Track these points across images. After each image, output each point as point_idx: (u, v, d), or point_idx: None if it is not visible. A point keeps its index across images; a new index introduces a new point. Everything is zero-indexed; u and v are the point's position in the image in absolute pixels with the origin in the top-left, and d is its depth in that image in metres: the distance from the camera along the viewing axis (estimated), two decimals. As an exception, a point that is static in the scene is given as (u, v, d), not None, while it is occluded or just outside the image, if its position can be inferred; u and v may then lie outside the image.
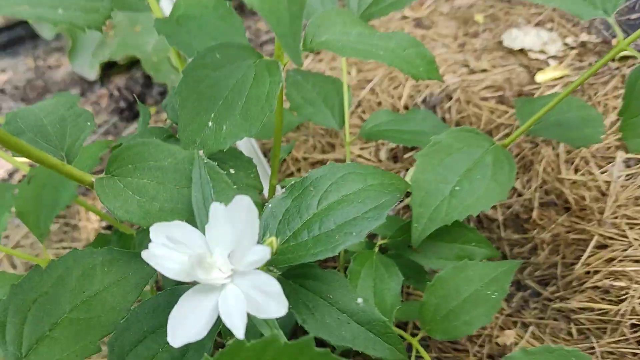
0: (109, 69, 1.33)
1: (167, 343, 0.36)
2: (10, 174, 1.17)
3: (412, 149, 0.79)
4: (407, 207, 0.71)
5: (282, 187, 0.75)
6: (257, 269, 0.31)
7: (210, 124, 0.40)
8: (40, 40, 1.49)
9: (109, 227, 0.92)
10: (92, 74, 1.30)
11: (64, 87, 1.39)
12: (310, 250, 0.36)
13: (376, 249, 0.54)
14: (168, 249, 0.30)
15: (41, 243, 0.53)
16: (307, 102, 0.65)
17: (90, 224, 0.93)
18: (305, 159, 0.82)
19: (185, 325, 0.29)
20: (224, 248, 0.30)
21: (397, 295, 0.48)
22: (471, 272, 0.49)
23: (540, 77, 0.83)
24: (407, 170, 0.77)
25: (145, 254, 0.30)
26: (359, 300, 0.43)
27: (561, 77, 0.83)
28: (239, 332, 0.28)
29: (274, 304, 0.29)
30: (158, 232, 0.31)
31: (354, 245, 0.59)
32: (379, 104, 0.84)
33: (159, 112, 1.15)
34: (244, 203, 0.31)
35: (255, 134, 0.39)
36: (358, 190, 0.39)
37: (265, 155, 0.83)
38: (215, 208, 0.30)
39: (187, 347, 0.35)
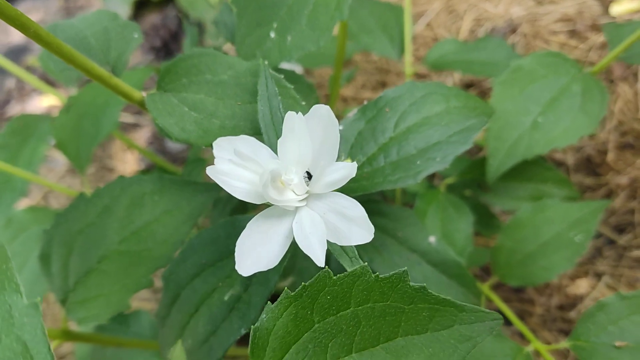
0: (141, 7, 1.28)
1: (227, 277, 0.33)
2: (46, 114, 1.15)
3: (482, 85, 0.73)
4: (475, 147, 0.66)
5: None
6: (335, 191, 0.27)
7: (272, 34, 0.35)
8: (72, -21, 1.45)
9: (147, 170, 0.89)
10: (124, 12, 1.25)
11: (96, 28, 1.35)
12: (387, 177, 0.32)
13: (442, 189, 0.50)
14: (236, 166, 0.26)
15: (81, 174, 0.50)
16: (363, 30, 0.59)
17: (128, 166, 0.90)
18: (354, 98, 0.77)
19: (255, 253, 0.25)
20: (299, 165, 0.26)
21: (469, 237, 0.44)
22: (552, 213, 0.44)
23: (615, 9, 0.75)
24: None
25: (210, 170, 0.26)
26: (431, 239, 0.39)
27: (638, 11, 0.75)
28: (320, 259, 0.24)
29: (357, 229, 0.25)
30: (223, 147, 0.27)
31: (414, 186, 0.54)
32: (435, 39, 0.78)
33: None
34: (323, 112, 0.26)
35: (322, 46, 0.34)
36: (441, 111, 0.34)
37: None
38: (292, 118, 0.25)
39: (250, 281, 0.32)
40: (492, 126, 0.45)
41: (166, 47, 1.10)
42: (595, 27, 0.74)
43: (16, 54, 1.24)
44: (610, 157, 0.62)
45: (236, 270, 0.25)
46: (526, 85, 0.45)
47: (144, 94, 0.32)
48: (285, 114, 0.31)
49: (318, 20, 0.35)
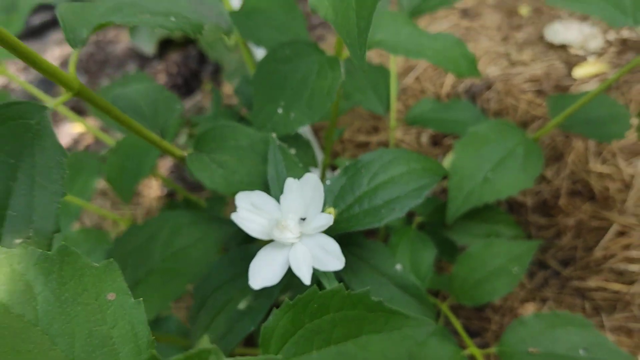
0: (165, 45, 1.42)
1: (242, 289, 0.44)
2: (76, 142, 1.28)
3: (452, 135, 0.85)
4: (444, 190, 0.78)
5: (333, 167, 0.83)
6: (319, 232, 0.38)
7: (279, 110, 0.48)
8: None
9: (170, 195, 1.01)
10: (150, 49, 1.39)
11: (123, 61, 1.49)
12: (360, 221, 0.43)
13: (414, 226, 0.61)
14: (251, 213, 0.38)
15: (126, 203, 0.62)
16: (357, 90, 0.72)
17: (152, 191, 1.03)
18: (350, 140, 0.90)
19: (263, 272, 0.37)
20: (295, 214, 0.38)
21: (430, 266, 0.55)
22: (497, 249, 0.56)
23: (577, 72, 0.87)
24: (445, 154, 0.83)
25: (234, 216, 0.38)
26: (398, 266, 0.50)
27: (598, 74, 0.87)
28: (307, 280, 0.35)
29: (333, 259, 0.37)
30: (242, 199, 0.39)
31: (393, 221, 0.66)
32: (423, 91, 0.90)
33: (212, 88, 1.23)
34: (312, 179, 0.38)
35: (317, 121, 0.47)
36: (402, 172, 0.46)
37: (315, 133, 0.91)
38: (290, 183, 0.38)
39: (259, 293, 0.43)
40: (453, 178, 0.57)
41: (187, 84, 1.24)
42: (559, 87, 0.86)
43: (49, 84, 1.38)
44: (562, 201, 0.73)
45: (249, 285, 0.37)
46: (480, 147, 0.57)
47: (185, 154, 0.45)
48: (287, 174, 0.43)
49: (314, 101, 0.47)
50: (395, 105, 0.87)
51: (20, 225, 0.32)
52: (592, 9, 0.55)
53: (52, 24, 1.57)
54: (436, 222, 0.62)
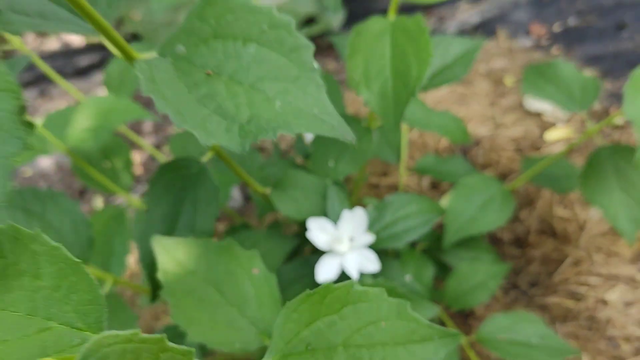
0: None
1: (305, 285, 0.64)
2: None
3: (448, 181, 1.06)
4: (440, 225, 0.99)
5: (364, 203, 1.03)
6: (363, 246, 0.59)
7: (331, 164, 0.68)
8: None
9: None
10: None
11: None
12: (387, 242, 0.64)
13: (418, 250, 0.82)
14: (318, 232, 0.58)
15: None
16: (377, 145, 0.93)
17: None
18: (363, 180, 1.11)
19: (325, 271, 0.57)
20: (347, 234, 0.58)
21: (430, 279, 0.75)
22: (479, 268, 0.76)
23: (548, 136, 1.09)
24: (441, 196, 1.04)
25: (308, 234, 0.58)
26: (407, 276, 0.70)
27: (564, 138, 1.09)
28: (355, 278, 0.55)
29: (372, 265, 0.57)
30: (312, 222, 0.59)
31: (403, 247, 0.86)
32: (424, 145, 1.12)
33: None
34: (360, 211, 0.58)
35: (356, 171, 0.68)
36: (415, 210, 0.67)
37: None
38: (345, 212, 0.58)
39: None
40: (448, 216, 0.78)
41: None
42: (533, 147, 1.08)
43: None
44: (531, 237, 0.94)
45: (314, 280, 0.57)
46: (469, 194, 0.78)
47: (268, 191, 0.65)
48: (340, 206, 0.63)
49: (355, 157, 0.68)
50: (404, 156, 1.08)
51: (186, 232, 0.52)
52: (551, 97, 0.77)
53: (97, 65, 1.79)
54: (434, 248, 0.82)
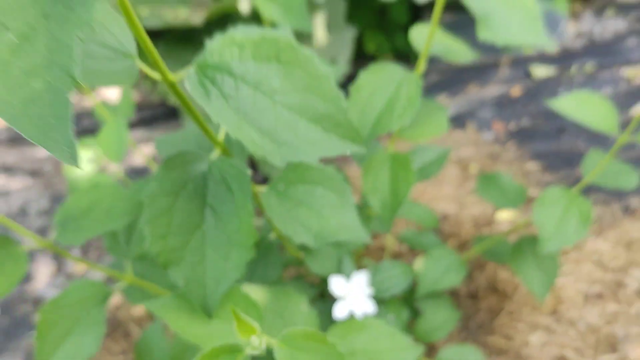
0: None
1: (327, 319, 0.96)
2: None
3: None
4: (414, 281, 1.32)
5: (363, 263, 1.36)
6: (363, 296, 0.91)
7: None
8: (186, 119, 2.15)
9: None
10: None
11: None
12: (379, 294, 0.96)
13: (397, 299, 1.15)
14: (337, 285, 0.91)
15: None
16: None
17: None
18: (359, 241, 1.44)
19: (339, 312, 0.90)
20: (357, 288, 0.91)
21: (406, 319, 1.08)
22: (441, 312, 1.09)
23: (498, 216, 1.45)
24: (415, 258, 1.38)
25: (330, 287, 0.90)
26: (390, 316, 1.03)
27: (510, 219, 1.45)
28: (360, 317, 0.88)
29: (370, 309, 0.90)
30: (333, 278, 0.92)
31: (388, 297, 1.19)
32: (406, 221, 1.46)
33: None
34: (364, 273, 0.91)
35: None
36: (397, 273, 1.00)
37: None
38: (355, 274, 0.91)
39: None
40: (420, 276, 1.11)
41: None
42: (487, 224, 1.44)
43: (139, 173, 1.90)
44: (480, 292, 1.29)
45: (331, 316, 0.90)
46: (436, 262, 1.12)
47: (302, 255, 0.98)
48: (350, 270, 0.96)
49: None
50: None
51: (258, 280, 0.85)
52: (494, 198, 1.12)
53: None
54: (409, 298, 1.16)
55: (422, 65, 0.82)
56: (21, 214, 1.79)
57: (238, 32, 0.48)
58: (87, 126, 2.02)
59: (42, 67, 0.30)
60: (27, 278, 1.63)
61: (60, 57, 0.29)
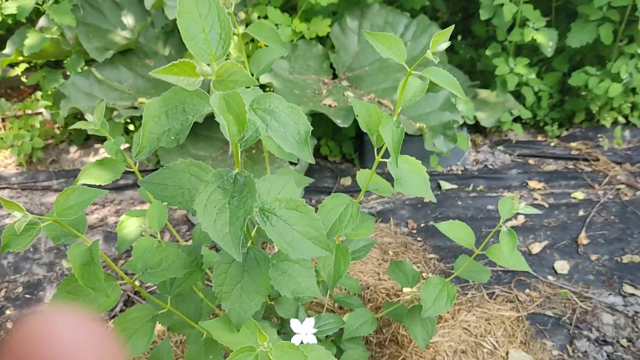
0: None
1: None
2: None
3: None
4: (342, 329, 1.88)
5: (309, 314, 1.90)
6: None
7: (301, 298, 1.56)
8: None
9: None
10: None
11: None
12: (318, 334, 1.50)
13: (329, 339, 1.68)
14: (295, 325, 1.44)
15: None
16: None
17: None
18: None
19: (295, 341, 1.42)
20: (306, 328, 1.44)
21: (333, 354, 1.62)
22: (356, 353, 1.64)
23: (405, 289, 2.05)
24: (345, 312, 1.93)
25: (291, 326, 1.43)
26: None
27: (412, 292, 2.04)
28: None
29: (314, 341, 1.43)
30: (293, 321, 1.44)
31: (323, 337, 1.73)
32: (340, 288, 2.03)
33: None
34: (312, 320, 1.44)
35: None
36: (331, 321, 1.54)
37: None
38: (307, 319, 1.45)
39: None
40: (346, 326, 1.67)
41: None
42: (396, 295, 2.03)
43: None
44: (386, 343, 1.85)
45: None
46: (357, 317, 1.68)
47: (272, 302, 1.50)
48: (303, 317, 1.49)
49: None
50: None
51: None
52: (398, 279, 1.71)
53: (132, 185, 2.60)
54: (336, 339, 1.70)
55: (361, 196, 1.42)
56: (33, 250, 2.22)
57: (275, 185, 1.06)
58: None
59: (228, 223, 0.85)
60: (37, 300, 2.04)
61: (236, 221, 0.85)
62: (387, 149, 1.25)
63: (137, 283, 1.32)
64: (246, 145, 1.02)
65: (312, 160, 0.86)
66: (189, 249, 1.33)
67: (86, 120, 1.27)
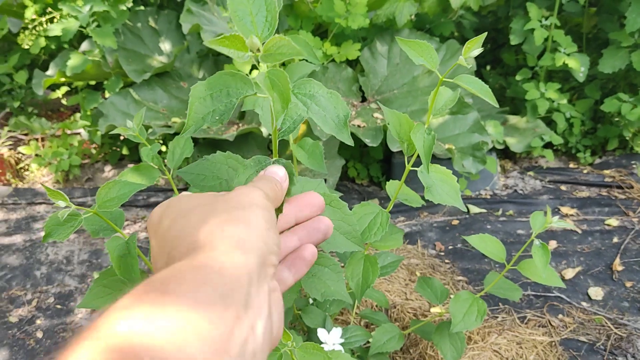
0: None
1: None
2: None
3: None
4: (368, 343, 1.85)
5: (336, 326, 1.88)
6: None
7: (330, 308, 1.55)
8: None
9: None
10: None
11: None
12: (345, 345, 1.48)
13: (355, 355, 1.66)
14: (323, 334, 1.43)
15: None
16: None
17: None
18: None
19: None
20: (333, 337, 1.42)
21: (360, 369, 1.59)
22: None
23: (433, 310, 2.01)
24: (373, 327, 1.90)
25: (317, 335, 1.41)
26: None
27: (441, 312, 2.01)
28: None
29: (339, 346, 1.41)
30: (320, 331, 1.43)
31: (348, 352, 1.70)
32: (367, 303, 2.01)
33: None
34: (339, 330, 1.43)
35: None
36: (359, 334, 1.52)
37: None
38: (333, 330, 1.44)
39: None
40: (373, 340, 1.64)
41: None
42: (424, 315, 1.99)
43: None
44: (414, 356, 1.82)
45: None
46: (384, 332, 1.66)
47: (300, 311, 1.49)
48: (330, 327, 1.48)
49: (341, 304, 1.55)
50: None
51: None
52: (427, 295, 1.68)
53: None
54: (363, 355, 1.67)
55: (391, 206, 1.42)
56: (66, 262, 2.26)
57: (307, 186, 1.07)
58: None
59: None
60: (67, 311, 2.08)
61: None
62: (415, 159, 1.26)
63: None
64: (284, 135, 1.04)
65: (351, 142, 0.87)
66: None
67: (120, 140, 1.32)
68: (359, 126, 2.34)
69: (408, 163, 1.38)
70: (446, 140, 2.35)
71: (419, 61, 1.20)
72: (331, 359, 1.02)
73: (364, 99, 2.69)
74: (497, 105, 1.18)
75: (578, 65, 2.54)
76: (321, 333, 1.42)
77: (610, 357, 1.80)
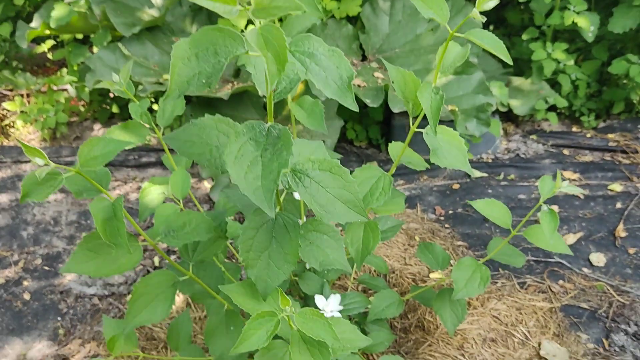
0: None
1: None
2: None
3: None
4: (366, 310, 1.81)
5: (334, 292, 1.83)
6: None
7: (328, 274, 1.50)
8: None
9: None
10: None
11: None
12: (343, 312, 1.43)
13: (352, 320, 1.62)
14: (319, 301, 1.38)
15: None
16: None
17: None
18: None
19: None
20: (332, 304, 1.38)
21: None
22: (381, 335, 1.57)
23: (431, 275, 1.97)
24: (369, 292, 1.86)
25: (316, 302, 1.37)
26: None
27: (440, 277, 1.97)
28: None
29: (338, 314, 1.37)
30: (317, 297, 1.38)
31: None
32: (366, 268, 1.97)
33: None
34: (338, 296, 1.38)
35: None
36: (357, 301, 1.48)
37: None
38: (332, 296, 1.39)
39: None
40: (372, 307, 1.60)
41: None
42: (422, 280, 1.95)
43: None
44: (411, 328, 1.78)
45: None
46: (383, 298, 1.61)
47: (296, 278, 1.44)
48: (328, 293, 1.43)
49: (338, 272, 1.50)
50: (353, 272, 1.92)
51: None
52: (429, 261, 1.63)
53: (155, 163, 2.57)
54: (361, 321, 1.63)
55: (393, 169, 1.35)
56: (54, 223, 2.19)
57: (305, 149, 0.99)
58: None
59: (260, 177, 0.79)
60: (55, 273, 2.02)
61: (269, 174, 0.79)
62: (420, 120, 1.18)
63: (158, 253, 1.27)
64: (280, 97, 0.96)
65: (356, 108, 0.79)
66: (213, 214, 1.28)
67: (110, 97, 1.22)
68: (359, 86, 2.25)
69: (413, 124, 1.30)
70: (449, 101, 2.26)
71: (428, 14, 1.10)
72: (332, 326, 0.96)
73: (364, 58, 2.58)
74: (511, 63, 1.09)
75: (588, 24, 2.43)
76: (319, 300, 1.37)
77: (613, 325, 1.78)
